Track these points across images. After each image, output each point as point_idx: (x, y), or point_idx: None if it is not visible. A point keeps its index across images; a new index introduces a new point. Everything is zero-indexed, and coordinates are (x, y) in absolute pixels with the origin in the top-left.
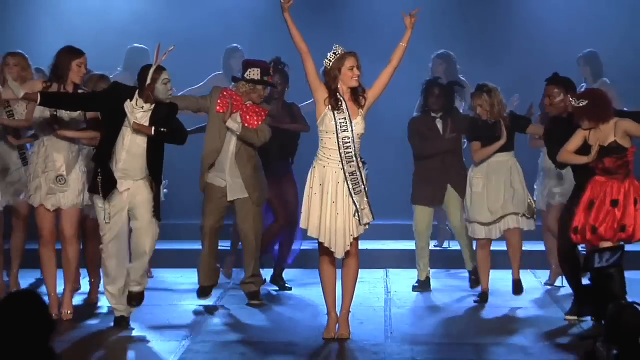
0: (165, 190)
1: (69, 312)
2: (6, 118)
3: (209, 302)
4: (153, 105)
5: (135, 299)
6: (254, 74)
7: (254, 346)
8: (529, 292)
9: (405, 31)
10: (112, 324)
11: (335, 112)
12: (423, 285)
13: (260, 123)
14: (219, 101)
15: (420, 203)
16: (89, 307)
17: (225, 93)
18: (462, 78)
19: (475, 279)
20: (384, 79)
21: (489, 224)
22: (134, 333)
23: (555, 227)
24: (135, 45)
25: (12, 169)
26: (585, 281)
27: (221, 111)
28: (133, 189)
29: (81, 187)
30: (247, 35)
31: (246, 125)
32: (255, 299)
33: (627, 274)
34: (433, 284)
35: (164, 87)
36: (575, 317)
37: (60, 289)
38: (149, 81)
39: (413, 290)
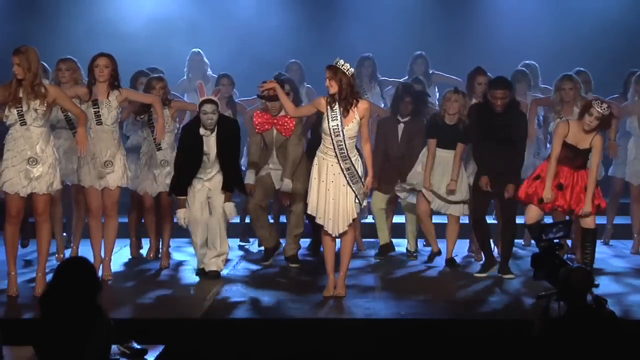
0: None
1: (109, 274)
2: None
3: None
4: (213, 128)
5: (212, 276)
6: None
7: (270, 296)
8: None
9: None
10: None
11: (330, 118)
12: (384, 249)
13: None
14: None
15: (379, 190)
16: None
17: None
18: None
19: (414, 253)
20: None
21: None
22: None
23: None
24: (194, 50)
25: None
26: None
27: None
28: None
29: (123, 170)
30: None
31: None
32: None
33: None
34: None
35: (203, 117)
36: (485, 274)
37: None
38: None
39: (375, 257)
